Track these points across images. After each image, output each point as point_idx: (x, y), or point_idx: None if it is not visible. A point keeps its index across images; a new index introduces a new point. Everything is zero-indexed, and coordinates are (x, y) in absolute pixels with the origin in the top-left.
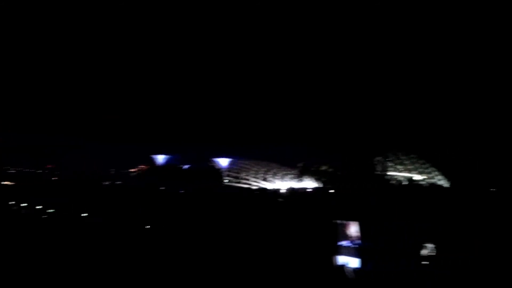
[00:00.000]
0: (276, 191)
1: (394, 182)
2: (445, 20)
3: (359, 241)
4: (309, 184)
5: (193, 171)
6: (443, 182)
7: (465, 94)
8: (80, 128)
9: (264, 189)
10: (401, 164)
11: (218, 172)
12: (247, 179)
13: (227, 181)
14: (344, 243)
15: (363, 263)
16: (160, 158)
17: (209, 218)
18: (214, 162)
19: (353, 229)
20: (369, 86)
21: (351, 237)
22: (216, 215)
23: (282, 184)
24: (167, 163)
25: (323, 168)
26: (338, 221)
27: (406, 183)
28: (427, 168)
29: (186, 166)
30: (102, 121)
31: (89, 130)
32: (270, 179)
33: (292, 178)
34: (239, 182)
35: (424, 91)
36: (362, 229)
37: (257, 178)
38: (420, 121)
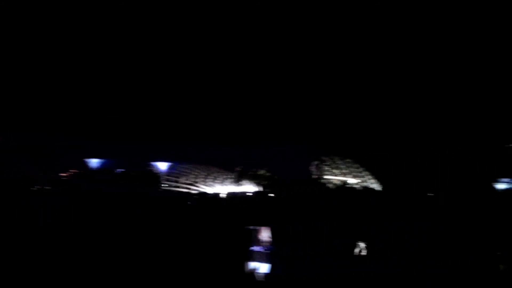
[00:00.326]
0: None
1: (330, 185)
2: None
3: (271, 246)
4: (247, 188)
5: (129, 175)
6: (375, 186)
7: (396, 99)
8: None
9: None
10: (337, 168)
11: (156, 176)
12: (186, 183)
13: (165, 185)
14: (256, 248)
15: (273, 268)
16: (94, 162)
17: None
18: (152, 166)
19: (265, 234)
20: (302, 89)
21: (263, 242)
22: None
23: (215, 189)
24: (101, 167)
25: (261, 172)
26: (251, 227)
27: (340, 186)
28: (361, 172)
29: (119, 170)
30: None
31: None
32: (205, 183)
33: (230, 183)
34: (178, 187)
35: (357, 94)
36: (273, 234)
37: (195, 182)
38: (356, 126)
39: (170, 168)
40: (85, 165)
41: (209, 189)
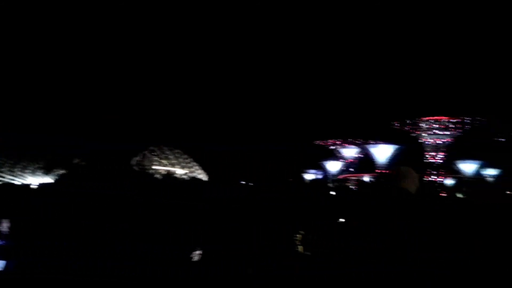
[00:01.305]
0: None
1: (157, 176)
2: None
3: (7, 240)
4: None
5: None
6: (202, 176)
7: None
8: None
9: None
10: (166, 158)
11: None
12: None
13: None
14: None
15: (6, 264)
16: None
17: None
18: None
19: (5, 226)
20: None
21: (2, 236)
22: None
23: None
24: None
25: (76, 160)
26: None
27: (167, 176)
28: (189, 162)
29: None
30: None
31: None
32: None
33: (42, 173)
34: None
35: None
36: (11, 226)
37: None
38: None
39: None
40: None
41: (17, 180)
